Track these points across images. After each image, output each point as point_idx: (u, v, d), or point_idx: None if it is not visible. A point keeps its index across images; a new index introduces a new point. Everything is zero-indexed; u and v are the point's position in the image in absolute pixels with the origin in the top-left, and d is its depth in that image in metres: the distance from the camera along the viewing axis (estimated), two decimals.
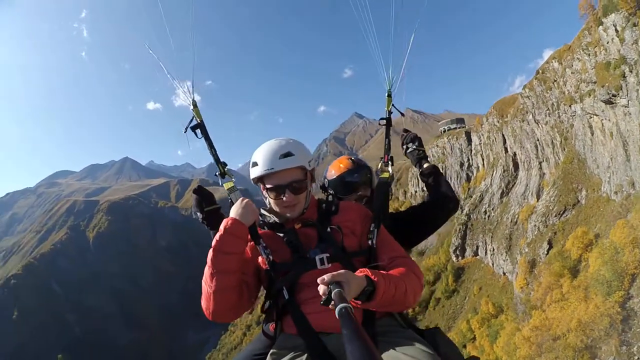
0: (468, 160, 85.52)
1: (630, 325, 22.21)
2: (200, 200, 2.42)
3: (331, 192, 2.82)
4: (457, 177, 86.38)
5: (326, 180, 2.89)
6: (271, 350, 1.82)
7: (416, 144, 2.79)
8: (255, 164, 1.99)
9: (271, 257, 1.91)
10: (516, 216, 56.12)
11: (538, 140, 56.58)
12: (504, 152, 70.34)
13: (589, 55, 38.05)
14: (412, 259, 2.00)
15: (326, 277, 1.40)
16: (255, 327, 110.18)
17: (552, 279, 32.44)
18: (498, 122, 72.14)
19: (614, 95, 33.87)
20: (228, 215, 2.09)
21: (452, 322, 60.10)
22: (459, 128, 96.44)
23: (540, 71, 52.84)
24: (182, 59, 2.44)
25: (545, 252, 41.88)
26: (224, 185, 2.27)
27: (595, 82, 37.06)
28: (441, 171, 2.70)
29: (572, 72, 42.81)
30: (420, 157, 2.75)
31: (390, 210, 2.64)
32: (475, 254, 69.39)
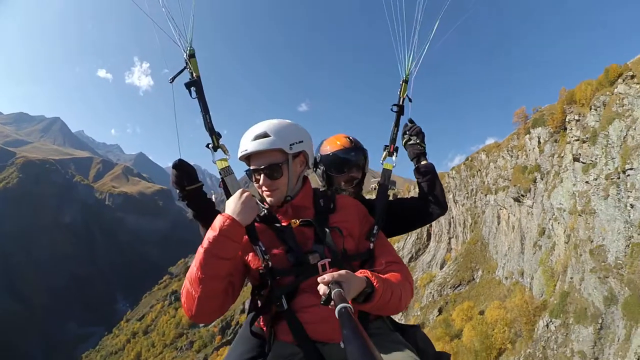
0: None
1: None
2: (180, 176, 2.12)
3: (322, 168, 2.67)
4: None
5: (319, 154, 2.72)
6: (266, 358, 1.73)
7: (419, 138, 2.62)
8: (240, 145, 1.88)
9: (270, 263, 1.77)
10: (417, 281, 59.33)
11: (452, 218, 61.36)
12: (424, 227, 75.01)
13: (512, 156, 42.94)
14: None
15: (326, 276, 1.37)
16: (141, 336, 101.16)
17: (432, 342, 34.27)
18: None
19: (522, 195, 38.28)
20: (208, 195, 2.01)
21: None
22: (390, 189, 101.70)
23: (470, 159, 58.25)
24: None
25: (435, 318, 44.37)
26: (216, 162, 2.00)
27: (510, 180, 41.68)
28: (436, 171, 2.56)
29: (494, 167, 47.78)
30: (419, 152, 2.59)
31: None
32: None
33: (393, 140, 2.50)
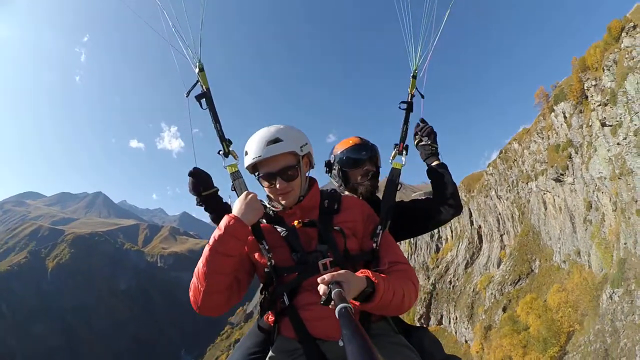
0: (438, 231, 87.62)
1: None
2: (196, 182, 2.25)
3: (337, 167, 2.73)
4: (427, 247, 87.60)
5: (332, 156, 2.80)
6: (269, 354, 1.80)
7: (431, 138, 2.63)
8: (246, 153, 1.93)
9: (273, 262, 1.85)
10: (477, 285, 57.15)
11: (500, 214, 59.44)
12: (469, 225, 72.93)
13: (542, 138, 41.94)
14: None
15: (326, 276, 1.39)
16: None
17: (501, 341, 32.89)
18: (465, 196, 75.57)
19: (561, 174, 37.05)
20: (225, 200, 2.09)
21: None
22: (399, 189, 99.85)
23: (504, 151, 57.02)
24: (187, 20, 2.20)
25: (500, 318, 42.41)
26: (227, 167, 2.09)
27: (546, 162, 40.45)
28: (448, 170, 2.56)
29: (529, 153, 46.63)
30: (431, 153, 2.60)
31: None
32: (439, 322, 68.85)
33: (403, 138, 2.47)
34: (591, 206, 32.35)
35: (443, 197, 2.48)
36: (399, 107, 2.49)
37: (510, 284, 45.74)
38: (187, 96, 2.11)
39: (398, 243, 2.28)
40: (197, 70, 2.17)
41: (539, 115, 43.98)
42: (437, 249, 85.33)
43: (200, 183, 2.22)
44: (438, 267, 77.24)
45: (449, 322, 64.45)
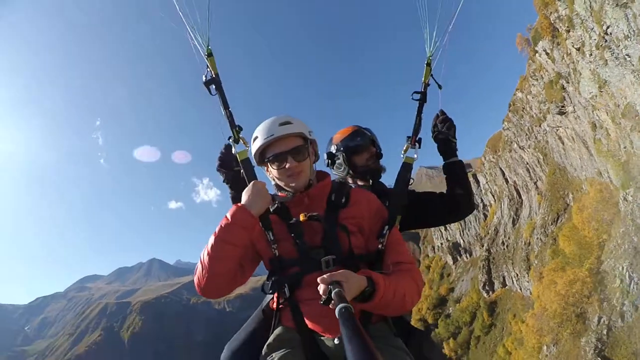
0: (482, 201, 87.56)
1: (605, 284, 24.00)
2: (228, 158, 2.39)
3: (341, 156, 2.75)
4: (476, 219, 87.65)
5: (333, 146, 2.81)
6: (268, 342, 1.84)
7: (451, 133, 2.55)
8: (256, 138, 1.95)
9: (277, 253, 1.88)
10: (524, 236, 57.40)
11: (527, 163, 59.85)
12: (505, 183, 73.07)
13: (537, 79, 43.28)
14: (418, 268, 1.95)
15: (326, 276, 1.40)
16: None
17: (548, 275, 34.05)
18: (493, 157, 75.92)
19: (562, 106, 38.29)
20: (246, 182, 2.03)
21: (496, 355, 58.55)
22: (471, 171, 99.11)
23: (512, 103, 57.89)
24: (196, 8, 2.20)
25: (548, 258, 43.07)
26: (237, 154, 2.11)
27: (547, 100, 41.69)
28: (465, 168, 2.55)
29: (531, 97, 47.70)
30: (450, 148, 2.55)
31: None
32: (503, 285, 68.91)
33: (416, 131, 2.39)
34: (595, 126, 33.48)
35: (458, 194, 2.48)
36: (412, 98, 2.42)
37: (552, 223, 46.35)
38: (204, 84, 2.17)
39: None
40: (205, 55, 2.20)
41: (528, 60, 45.31)
42: (485, 217, 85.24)
43: (233, 158, 2.30)
44: (488, 233, 77.35)
45: (512, 281, 64.45)
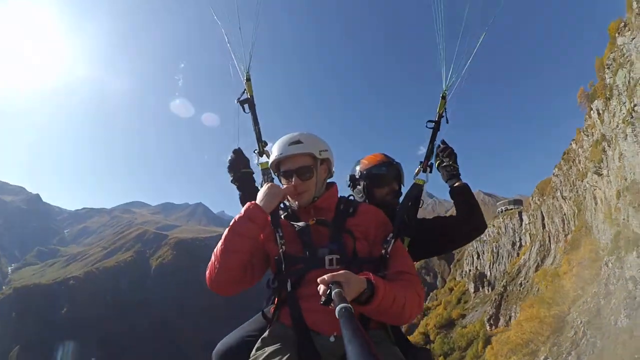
0: (520, 239, 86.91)
1: (562, 331, 26.43)
2: (237, 160, 2.65)
3: (362, 183, 2.85)
4: (509, 256, 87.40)
5: (357, 171, 2.91)
6: (263, 335, 1.89)
7: (452, 160, 2.72)
8: (272, 153, 2.18)
9: (284, 248, 1.97)
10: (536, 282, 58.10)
11: (565, 214, 59.60)
12: (542, 228, 72.46)
13: (588, 135, 43.89)
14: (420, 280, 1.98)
15: (326, 277, 1.42)
16: None
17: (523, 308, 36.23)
18: (539, 200, 75.22)
19: (599, 168, 39.15)
20: (260, 184, 2.26)
21: None
22: (514, 209, 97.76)
23: (566, 152, 57.76)
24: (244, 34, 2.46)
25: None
26: (259, 164, 2.34)
27: (590, 158, 42.43)
28: (472, 191, 2.65)
29: (582, 151, 48.12)
30: (453, 174, 2.69)
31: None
32: (507, 323, 69.48)
33: (428, 156, 2.61)
34: (620, 195, 34.55)
35: (464, 215, 2.56)
36: (426, 126, 2.60)
37: None
38: (236, 102, 2.47)
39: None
40: (244, 80, 2.48)
41: (585, 114, 45.72)
42: (517, 256, 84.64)
43: (241, 162, 2.65)
44: (512, 270, 77.33)
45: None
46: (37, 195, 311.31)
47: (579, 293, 28.94)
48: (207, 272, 1.92)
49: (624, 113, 26.66)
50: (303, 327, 1.77)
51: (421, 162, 2.58)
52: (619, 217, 28.68)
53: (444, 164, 2.69)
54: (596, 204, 46.65)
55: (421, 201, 2.50)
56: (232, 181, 2.63)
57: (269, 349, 1.74)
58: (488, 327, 72.75)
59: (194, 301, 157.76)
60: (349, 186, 2.97)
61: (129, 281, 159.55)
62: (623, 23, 27.66)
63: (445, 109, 2.58)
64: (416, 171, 2.57)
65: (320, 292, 1.39)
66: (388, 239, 2.02)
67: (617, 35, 28.22)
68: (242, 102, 2.45)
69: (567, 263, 31.72)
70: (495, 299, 73.69)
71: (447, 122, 2.58)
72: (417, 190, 2.45)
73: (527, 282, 70.14)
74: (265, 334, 1.88)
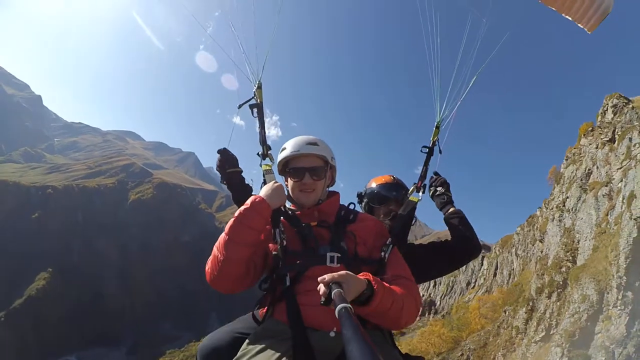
0: (475, 281, 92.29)
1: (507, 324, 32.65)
2: (223, 160, 2.63)
3: (366, 200, 3.03)
4: (461, 292, 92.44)
5: (365, 189, 3.09)
6: (255, 331, 1.85)
7: (444, 188, 2.85)
8: (283, 149, 2.21)
9: (285, 242, 1.97)
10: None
11: (513, 269, 65.62)
12: (492, 276, 78.62)
13: (547, 209, 49.45)
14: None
15: (327, 277, 1.41)
16: None
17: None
18: (499, 251, 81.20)
19: (542, 239, 44.85)
20: (246, 182, 2.42)
21: None
22: (482, 253, 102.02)
23: (531, 217, 63.32)
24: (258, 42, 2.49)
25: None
26: (262, 165, 2.41)
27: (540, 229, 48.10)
28: (463, 215, 2.71)
29: (542, 219, 53.73)
30: (446, 201, 2.79)
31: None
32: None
33: (421, 177, 2.79)
34: (536, 264, 40.47)
35: (462, 238, 2.63)
36: (421, 151, 2.79)
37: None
38: (239, 108, 2.56)
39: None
40: (255, 87, 2.62)
41: (552, 190, 51.21)
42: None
43: (227, 161, 2.62)
44: (457, 306, 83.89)
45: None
46: (39, 97, 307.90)
47: (478, 327, 34.81)
48: (208, 266, 1.89)
49: (560, 200, 32.23)
50: (299, 323, 1.70)
51: (415, 183, 2.79)
52: (532, 278, 34.42)
53: (438, 192, 2.85)
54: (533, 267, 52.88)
55: (414, 218, 2.73)
56: (221, 181, 2.68)
57: (261, 344, 1.70)
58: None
59: (156, 242, 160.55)
60: (358, 202, 3.17)
61: (103, 206, 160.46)
62: (591, 128, 32.86)
63: (437, 138, 2.81)
64: (410, 190, 2.77)
65: (321, 292, 1.39)
66: (387, 243, 2.09)
67: (583, 135, 33.56)
68: (252, 107, 2.59)
69: (477, 301, 37.65)
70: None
71: (440, 153, 2.79)
72: (410, 206, 2.63)
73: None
74: (258, 329, 1.85)
